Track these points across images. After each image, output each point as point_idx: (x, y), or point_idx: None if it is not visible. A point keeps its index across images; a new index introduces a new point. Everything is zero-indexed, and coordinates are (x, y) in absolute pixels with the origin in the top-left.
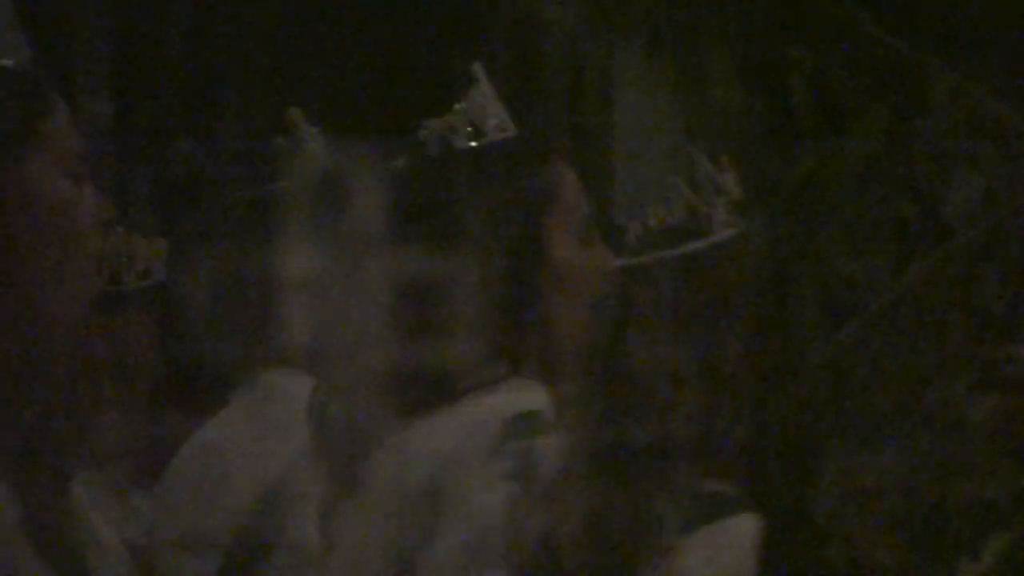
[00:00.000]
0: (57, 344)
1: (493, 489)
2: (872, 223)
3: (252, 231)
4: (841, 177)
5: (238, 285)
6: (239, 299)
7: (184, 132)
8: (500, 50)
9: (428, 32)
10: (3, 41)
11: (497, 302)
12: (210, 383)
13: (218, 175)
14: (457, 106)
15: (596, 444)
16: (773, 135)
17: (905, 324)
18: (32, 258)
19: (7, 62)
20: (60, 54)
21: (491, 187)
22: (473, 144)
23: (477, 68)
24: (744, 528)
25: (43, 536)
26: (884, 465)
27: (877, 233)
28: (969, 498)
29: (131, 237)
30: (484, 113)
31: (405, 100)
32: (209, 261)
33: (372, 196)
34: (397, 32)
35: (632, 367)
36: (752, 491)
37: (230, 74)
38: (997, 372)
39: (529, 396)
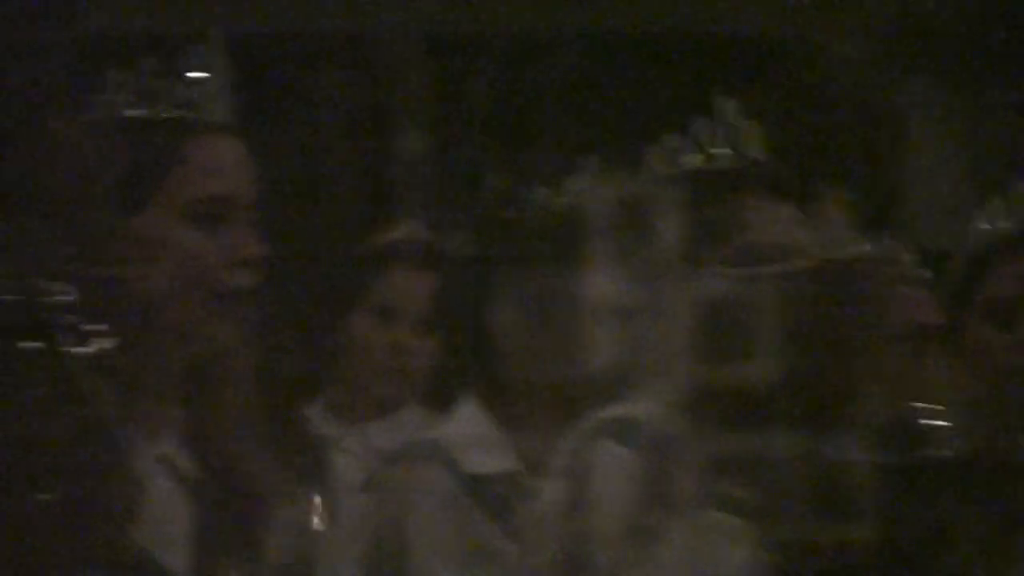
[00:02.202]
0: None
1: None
2: None
3: (559, 257)
4: None
5: (547, 309)
6: (548, 322)
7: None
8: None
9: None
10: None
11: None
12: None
13: (528, 205)
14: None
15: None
16: None
17: None
18: (162, 304)
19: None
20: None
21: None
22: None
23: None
24: None
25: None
26: None
27: None
28: None
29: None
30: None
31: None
32: (519, 287)
33: (671, 220)
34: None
35: None
36: None
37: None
38: None
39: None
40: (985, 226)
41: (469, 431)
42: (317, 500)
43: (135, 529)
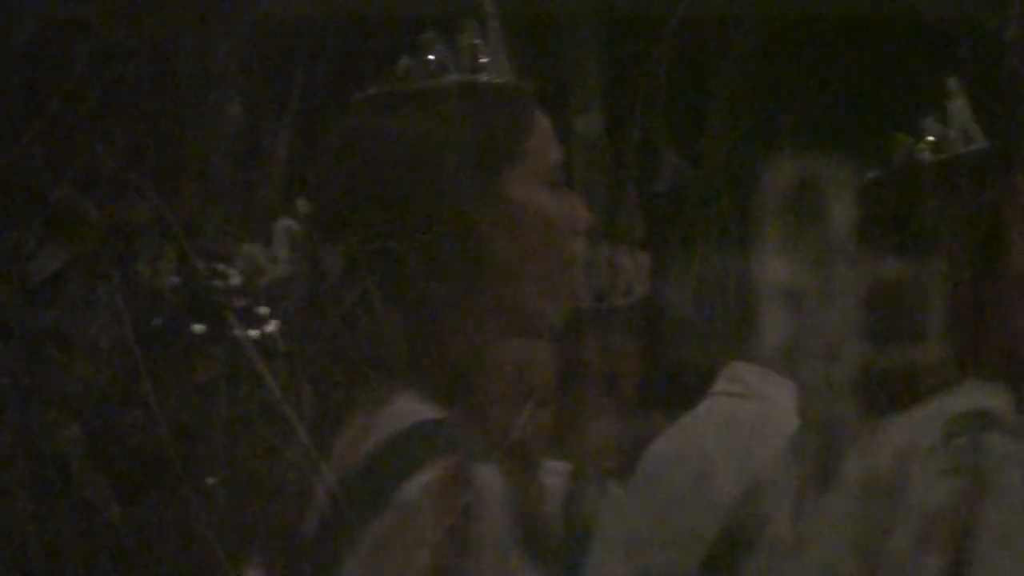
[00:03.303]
0: (542, 350)
1: (935, 483)
2: None
3: (731, 240)
4: None
5: (717, 291)
6: (718, 305)
7: (671, 145)
8: (967, 66)
9: (897, 50)
10: (494, 62)
11: (959, 306)
12: (692, 386)
13: (702, 187)
14: (929, 119)
15: None
16: None
17: None
18: (518, 269)
19: (498, 80)
20: (555, 74)
21: (957, 198)
22: (942, 156)
23: (953, 82)
24: None
25: (519, 515)
26: None
27: None
28: None
29: (616, 254)
30: (957, 126)
31: (876, 114)
32: (691, 269)
33: (844, 206)
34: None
35: None
36: None
37: (714, 91)
38: None
39: (983, 396)
40: None
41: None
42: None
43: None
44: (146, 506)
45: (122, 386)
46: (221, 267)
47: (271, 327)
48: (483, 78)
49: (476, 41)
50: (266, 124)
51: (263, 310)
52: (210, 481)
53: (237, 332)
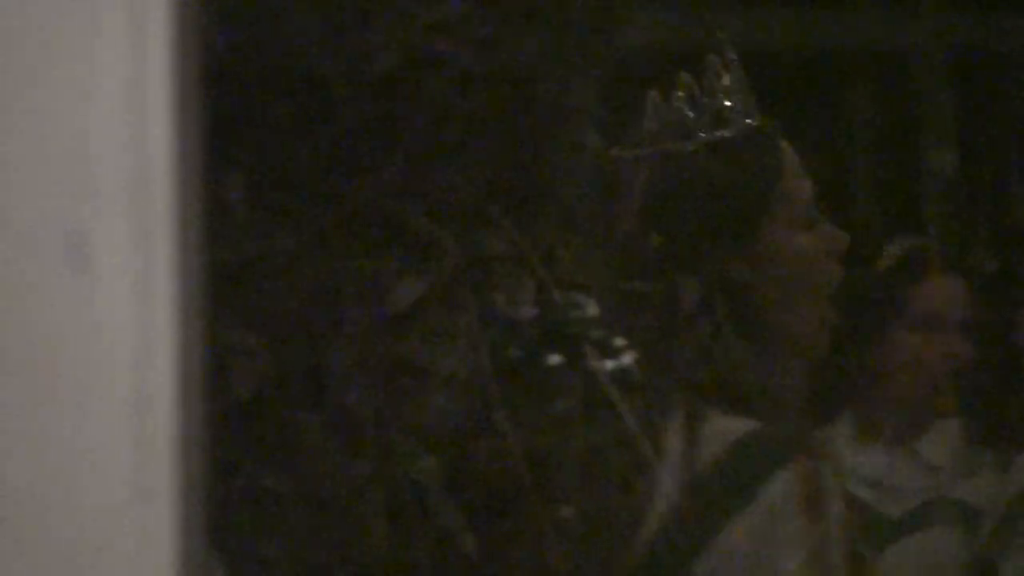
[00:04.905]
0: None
1: None
2: None
3: None
4: None
5: None
6: None
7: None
8: None
9: None
10: (746, 104)
11: None
12: None
13: None
14: None
15: None
16: None
17: None
18: (782, 302)
19: (751, 124)
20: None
21: None
22: None
23: None
24: None
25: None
26: None
27: None
28: None
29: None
30: None
31: None
32: None
33: None
34: None
35: None
36: None
37: None
38: None
39: None
40: None
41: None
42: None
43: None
44: (500, 536)
45: (478, 416)
46: (578, 298)
47: (627, 358)
48: (729, 126)
49: (721, 82)
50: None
51: (619, 341)
52: (564, 512)
53: (593, 363)
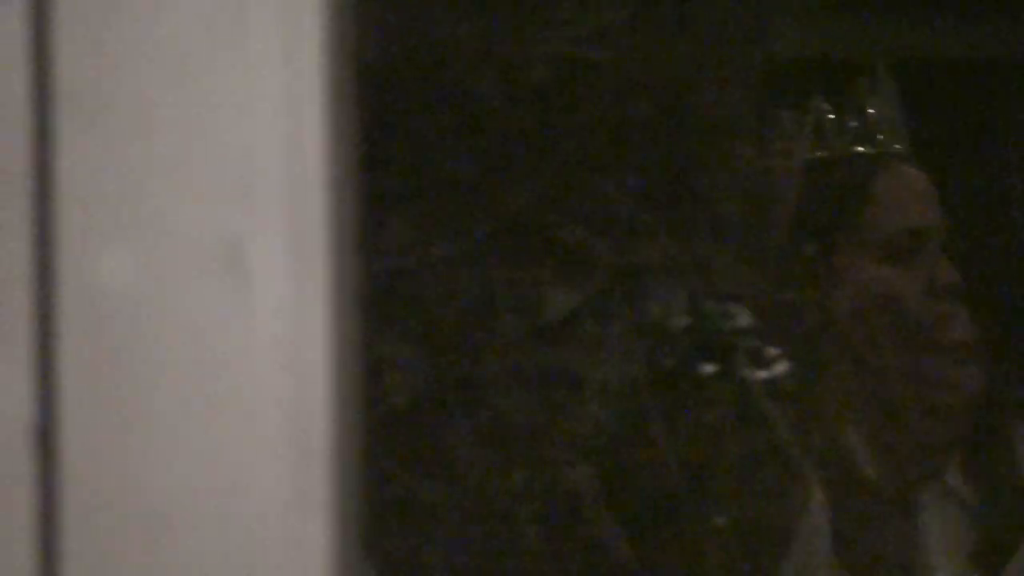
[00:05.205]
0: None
1: None
2: None
3: None
4: None
5: None
6: None
7: None
8: None
9: None
10: (886, 123)
11: None
12: None
13: None
14: None
15: None
16: None
17: None
18: (861, 334)
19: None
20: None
21: None
22: None
23: None
24: None
25: None
26: None
27: None
28: None
29: None
30: None
31: None
32: None
33: None
34: None
35: None
36: None
37: None
38: None
39: None
40: None
41: None
42: None
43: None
44: (654, 546)
45: (632, 426)
46: (731, 307)
47: (780, 368)
48: (865, 143)
49: (868, 98)
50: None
51: (772, 351)
52: (719, 522)
53: (746, 373)
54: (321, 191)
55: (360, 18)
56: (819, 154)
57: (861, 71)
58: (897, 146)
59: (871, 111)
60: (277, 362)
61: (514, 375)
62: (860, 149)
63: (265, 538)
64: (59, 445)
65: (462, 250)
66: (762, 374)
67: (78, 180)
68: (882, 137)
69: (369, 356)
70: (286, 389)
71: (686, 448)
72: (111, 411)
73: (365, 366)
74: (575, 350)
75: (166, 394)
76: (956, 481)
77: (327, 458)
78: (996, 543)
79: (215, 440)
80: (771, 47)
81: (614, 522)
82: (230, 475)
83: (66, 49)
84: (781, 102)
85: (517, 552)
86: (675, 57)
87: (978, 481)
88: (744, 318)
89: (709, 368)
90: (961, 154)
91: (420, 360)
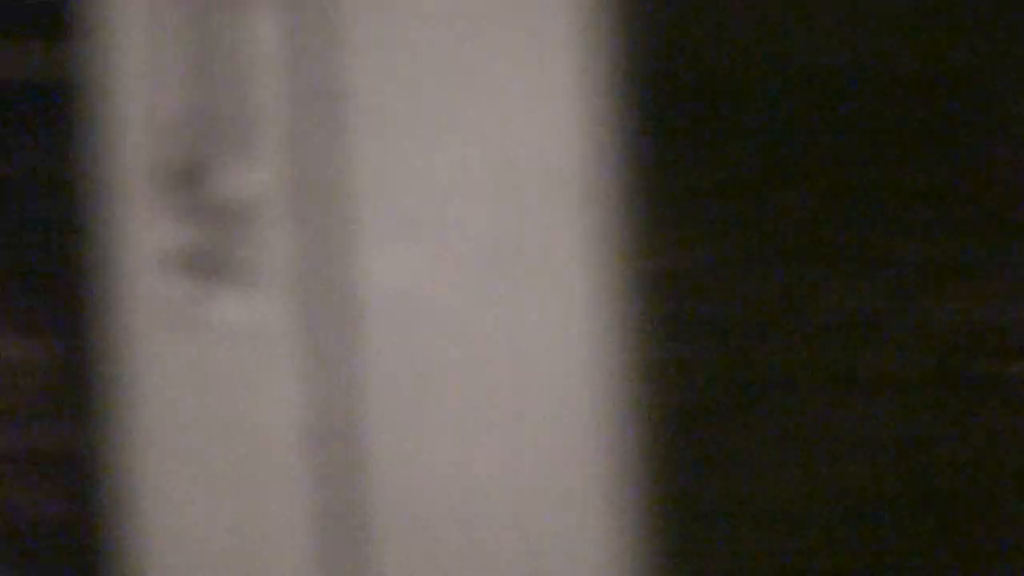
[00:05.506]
0: None
1: None
2: None
3: None
4: None
5: None
6: None
7: None
8: None
9: None
10: None
11: None
12: None
13: None
14: None
15: None
16: None
17: None
18: None
19: None
20: None
21: None
22: None
23: None
24: None
25: None
26: None
27: None
28: None
29: None
30: None
31: None
32: None
33: None
34: None
35: None
36: None
37: None
38: None
39: None
40: None
41: None
42: None
43: None
44: (947, 545)
45: (924, 424)
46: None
47: None
48: None
49: None
50: None
51: None
52: (1015, 521)
53: None
54: (597, 194)
55: (644, 20)
56: None
57: None
58: None
59: None
60: (581, 361)
61: (803, 374)
62: None
63: (565, 538)
64: (366, 444)
65: (749, 249)
66: None
67: (373, 182)
68: None
69: (654, 357)
70: (588, 389)
71: (978, 446)
72: (412, 411)
73: (649, 366)
74: (865, 349)
75: (458, 392)
76: None
77: (628, 459)
78: None
79: (519, 439)
80: None
81: (903, 522)
82: (531, 474)
83: (354, 52)
84: None
85: (808, 552)
86: (964, 51)
87: None
88: None
89: (999, 366)
90: None
91: (707, 359)
